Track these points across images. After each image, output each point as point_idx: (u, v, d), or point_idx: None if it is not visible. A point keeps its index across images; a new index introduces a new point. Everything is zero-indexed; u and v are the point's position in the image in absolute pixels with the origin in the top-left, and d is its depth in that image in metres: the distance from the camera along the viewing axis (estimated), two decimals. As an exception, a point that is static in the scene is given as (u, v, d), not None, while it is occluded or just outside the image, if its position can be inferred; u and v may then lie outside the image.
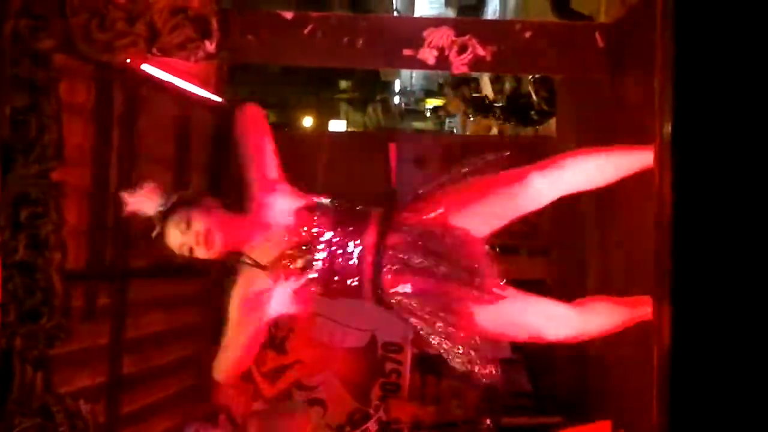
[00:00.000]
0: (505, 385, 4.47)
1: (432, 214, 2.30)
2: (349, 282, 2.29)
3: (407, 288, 2.25)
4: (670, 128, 1.25)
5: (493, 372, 2.27)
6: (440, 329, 2.23)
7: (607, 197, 2.95)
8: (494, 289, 2.23)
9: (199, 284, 4.09)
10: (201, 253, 2.20)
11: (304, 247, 2.25)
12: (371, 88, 17.30)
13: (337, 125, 16.77)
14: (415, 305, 2.25)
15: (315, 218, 2.28)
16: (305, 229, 2.27)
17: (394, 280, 2.26)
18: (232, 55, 3.25)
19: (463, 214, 2.29)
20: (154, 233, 2.14)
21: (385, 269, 2.25)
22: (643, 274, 2.31)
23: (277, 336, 4.46)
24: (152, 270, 3.40)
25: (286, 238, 2.26)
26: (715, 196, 1.21)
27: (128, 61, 3.14)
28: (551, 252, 4.76)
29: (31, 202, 2.57)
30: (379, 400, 4.27)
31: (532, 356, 4.60)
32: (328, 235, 2.27)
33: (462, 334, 2.22)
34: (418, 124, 18.01)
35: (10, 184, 2.53)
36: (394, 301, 2.28)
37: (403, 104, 18.30)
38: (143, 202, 2.12)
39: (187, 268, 2.70)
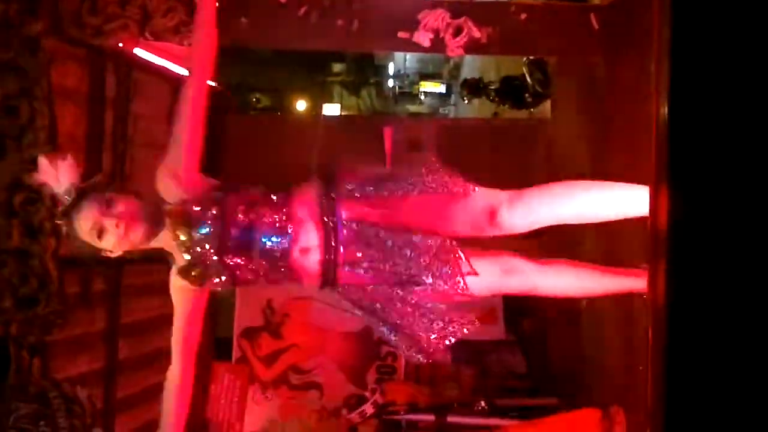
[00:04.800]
0: (500, 366, 4.50)
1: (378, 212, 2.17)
2: (287, 264, 2.13)
3: (362, 270, 2.14)
4: (666, 110, 1.24)
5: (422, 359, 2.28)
6: (388, 322, 2.27)
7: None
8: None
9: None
10: (123, 239, 2.10)
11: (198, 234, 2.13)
12: (365, 71, 17.20)
13: (330, 109, 16.69)
14: (364, 294, 2.22)
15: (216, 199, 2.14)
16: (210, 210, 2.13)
17: (353, 253, 2.12)
18: (225, 38, 3.22)
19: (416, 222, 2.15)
20: (62, 211, 2.02)
21: (342, 243, 2.10)
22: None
23: (273, 321, 4.48)
24: (147, 255, 3.40)
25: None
26: (712, 178, 1.20)
27: (120, 45, 3.11)
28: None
29: (24, 188, 2.55)
30: (375, 382, 4.30)
31: (528, 337, 4.62)
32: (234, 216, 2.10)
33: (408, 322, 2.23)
34: (412, 108, 17.94)
35: (2, 170, 2.51)
36: (349, 275, 2.16)
37: (397, 88, 18.22)
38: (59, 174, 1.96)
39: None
